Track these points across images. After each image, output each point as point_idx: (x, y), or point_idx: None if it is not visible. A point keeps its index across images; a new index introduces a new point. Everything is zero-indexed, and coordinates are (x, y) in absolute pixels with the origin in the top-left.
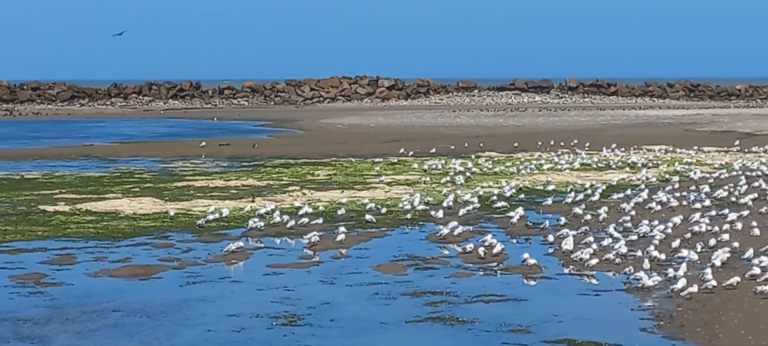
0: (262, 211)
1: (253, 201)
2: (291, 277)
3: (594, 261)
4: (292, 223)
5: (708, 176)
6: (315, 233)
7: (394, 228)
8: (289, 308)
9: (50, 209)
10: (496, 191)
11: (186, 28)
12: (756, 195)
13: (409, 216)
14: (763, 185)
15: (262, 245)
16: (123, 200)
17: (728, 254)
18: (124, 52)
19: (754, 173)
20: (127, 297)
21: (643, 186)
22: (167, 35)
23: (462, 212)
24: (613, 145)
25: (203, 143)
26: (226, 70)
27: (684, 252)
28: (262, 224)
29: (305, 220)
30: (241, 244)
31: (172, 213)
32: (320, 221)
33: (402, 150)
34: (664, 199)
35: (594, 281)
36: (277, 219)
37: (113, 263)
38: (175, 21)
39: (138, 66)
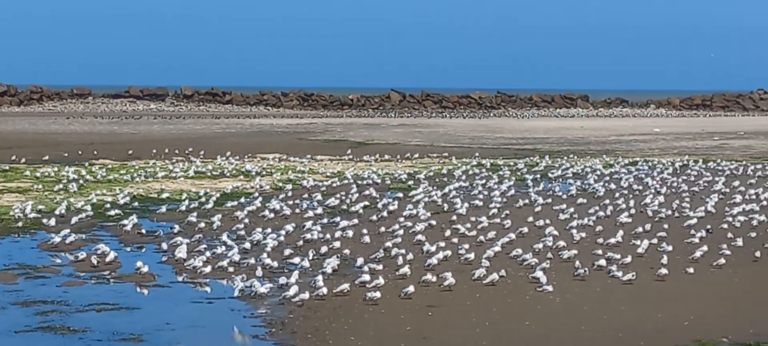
0: None
1: None
2: None
3: (207, 269)
4: None
5: (320, 184)
6: None
7: (4, 236)
8: None
9: None
10: (110, 199)
11: None
12: (367, 203)
13: (20, 224)
14: (374, 193)
15: None
16: None
17: (339, 262)
18: None
19: (365, 182)
20: None
21: (256, 194)
22: None
23: (75, 219)
24: (228, 154)
25: None
26: None
27: (296, 260)
28: None
29: None
30: None
31: None
32: None
33: (14, 157)
34: (278, 207)
35: (207, 289)
36: None
37: None
38: None
39: None
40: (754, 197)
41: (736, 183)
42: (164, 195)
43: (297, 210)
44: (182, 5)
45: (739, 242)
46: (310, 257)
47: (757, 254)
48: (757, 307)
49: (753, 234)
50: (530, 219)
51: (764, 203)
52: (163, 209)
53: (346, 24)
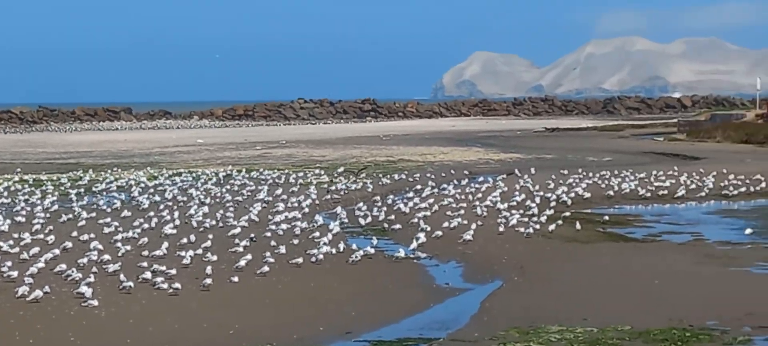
0: None
1: None
2: None
3: None
4: None
5: None
6: None
7: None
8: None
9: None
10: None
11: None
12: None
13: None
14: None
15: None
16: None
17: None
18: None
19: None
20: None
21: None
22: None
23: None
24: None
25: None
26: None
27: None
28: None
29: None
30: None
31: None
32: None
33: None
34: None
35: None
36: None
37: None
38: None
39: None
40: (296, 204)
41: (279, 191)
42: None
43: None
44: None
45: (282, 249)
46: None
47: (300, 260)
48: (300, 312)
49: (295, 241)
50: (74, 234)
51: (306, 210)
52: None
53: None
